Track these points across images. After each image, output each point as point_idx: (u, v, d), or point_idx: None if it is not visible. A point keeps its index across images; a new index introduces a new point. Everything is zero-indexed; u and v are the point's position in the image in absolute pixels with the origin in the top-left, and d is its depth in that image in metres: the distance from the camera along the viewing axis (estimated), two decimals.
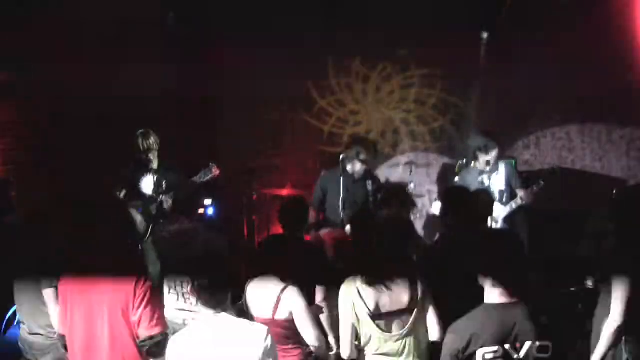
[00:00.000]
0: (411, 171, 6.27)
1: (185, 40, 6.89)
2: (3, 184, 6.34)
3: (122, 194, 5.70)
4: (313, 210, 5.76)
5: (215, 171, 5.75)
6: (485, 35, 6.43)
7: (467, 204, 4.02)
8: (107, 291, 3.25)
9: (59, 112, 7.07)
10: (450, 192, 4.39)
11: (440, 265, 3.84)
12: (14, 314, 4.44)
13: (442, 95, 7.03)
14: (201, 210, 6.66)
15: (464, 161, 6.49)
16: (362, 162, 5.72)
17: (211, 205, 6.71)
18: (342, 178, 5.68)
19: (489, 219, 5.13)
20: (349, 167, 5.80)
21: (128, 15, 6.56)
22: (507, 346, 2.67)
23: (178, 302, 3.81)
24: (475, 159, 5.88)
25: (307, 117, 7.17)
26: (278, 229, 4.39)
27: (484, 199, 4.01)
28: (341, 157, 5.97)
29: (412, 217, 5.27)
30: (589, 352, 3.76)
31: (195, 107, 7.15)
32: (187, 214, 4.53)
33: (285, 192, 6.59)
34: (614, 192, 6.15)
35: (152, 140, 5.77)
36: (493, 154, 5.73)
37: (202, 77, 7.10)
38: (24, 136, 7.09)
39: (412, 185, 6.10)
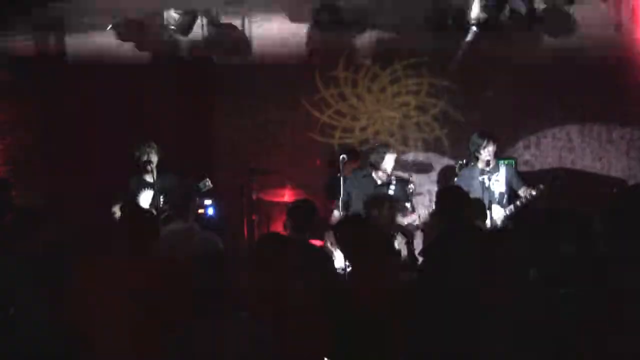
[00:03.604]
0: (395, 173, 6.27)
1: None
2: (3, 184, 6.35)
3: (117, 208, 5.67)
4: (338, 212, 5.79)
5: (209, 185, 5.85)
6: (485, 36, 6.42)
7: (461, 205, 4.03)
8: None
9: (60, 113, 7.11)
10: (443, 193, 4.40)
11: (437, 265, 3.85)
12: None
13: (445, 106, 7.01)
14: (201, 210, 6.66)
15: (464, 161, 6.49)
16: (385, 171, 5.73)
17: (211, 205, 6.71)
18: (341, 178, 5.69)
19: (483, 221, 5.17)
20: (373, 173, 5.81)
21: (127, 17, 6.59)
22: None
23: None
24: (476, 159, 5.88)
25: (307, 104, 7.15)
26: (278, 229, 4.40)
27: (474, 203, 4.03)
28: (341, 157, 5.98)
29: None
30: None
31: (195, 106, 7.15)
32: (185, 216, 4.52)
33: (284, 192, 6.60)
34: (614, 192, 6.16)
35: (153, 150, 5.78)
36: (490, 149, 5.73)
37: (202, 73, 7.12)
38: (24, 136, 7.12)
39: (411, 186, 6.08)
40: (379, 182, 5.79)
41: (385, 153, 5.81)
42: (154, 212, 5.50)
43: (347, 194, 5.84)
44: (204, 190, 5.95)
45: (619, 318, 3.53)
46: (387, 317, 3.32)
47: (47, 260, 4.24)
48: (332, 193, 6.52)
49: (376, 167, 5.78)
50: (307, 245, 4.22)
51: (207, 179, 6.00)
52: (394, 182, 5.80)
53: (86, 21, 6.95)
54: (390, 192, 5.73)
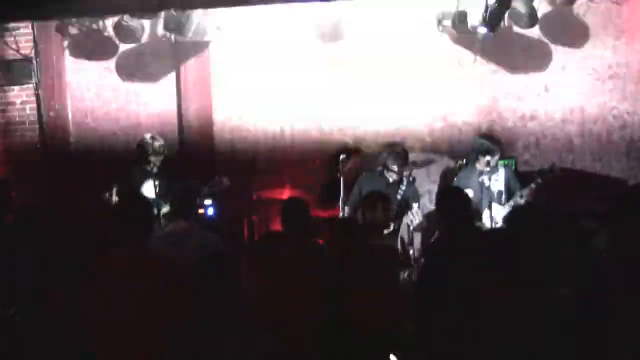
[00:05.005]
0: (411, 171, 6.26)
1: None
2: (3, 184, 6.36)
3: (112, 196, 5.69)
4: (350, 209, 5.81)
5: (226, 182, 5.85)
6: (485, 33, 6.41)
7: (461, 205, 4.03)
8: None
9: (59, 113, 7.13)
10: (443, 193, 4.39)
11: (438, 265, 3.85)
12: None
13: (446, 109, 7.02)
14: (201, 210, 6.67)
15: (464, 161, 6.49)
16: (393, 170, 5.73)
17: (211, 205, 6.71)
18: (341, 177, 5.70)
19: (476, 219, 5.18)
20: (385, 172, 5.80)
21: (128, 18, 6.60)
22: None
23: None
24: (477, 159, 5.89)
25: (307, 99, 7.15)
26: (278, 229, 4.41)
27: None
28: (341, 157, 5.98)
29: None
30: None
31: (195, 106, 7.15)
32: (185, 216, 4.52)
33: (285, 192, 6.61)
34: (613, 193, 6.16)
35: (159, 144, 5.82)
36: (496, 157, 5.76)
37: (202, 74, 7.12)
38: (24, 136, 7.12)
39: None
40: (391, 180, 5.79)
41: (391, 153, 5.79)
42: (159, 202, 5.53)
43: (360, 193, 5.83)
44: (218, 188, 5.92)
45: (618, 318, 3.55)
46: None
47: (48, 260, 4.26)
48: (331, 193, 6.52)
49: (386, 166, 5.78)
50: (303, 243, 4.22)
51: (225, 177, 5.94)
52: (405, 181, 5.79)
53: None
54: (400, 191, 5.71)
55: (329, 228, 3.86)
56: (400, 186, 5.73)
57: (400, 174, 5.75)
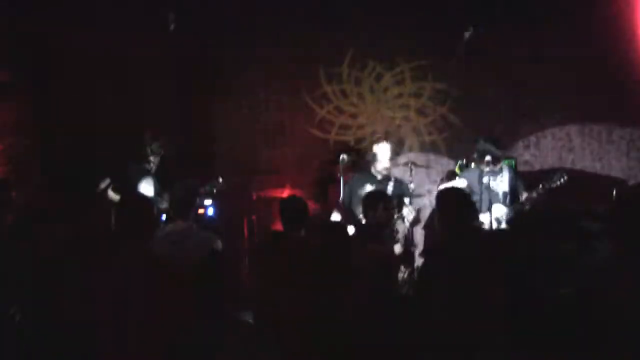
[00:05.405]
0: (411, 171, 6.27)
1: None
2: (3, 184, 6.36)
3: (105, 186, 5.69)
4: (342, 210, 5.82)
5: (222, 185, 5.89)
6: (483, 33, 6.43)
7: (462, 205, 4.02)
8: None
9: (59, 113, 7.11)
10: (444, 193, 4.38)
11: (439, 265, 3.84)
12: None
13: (445, 111, 7.02)
14: (201, 211, 6.67)
15: (464, 161, 6.49)
16: (383, 166, 5.75)
17: (211, 205, 6.71)
18: (341, 177, 5.70)
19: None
20: (372, 169, 5.84)
21: (128, 16, 6.59)
22: None
23: None
24: (480, 160, 5.86)
25: (307, 98, 7.14)
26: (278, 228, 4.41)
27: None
28: (341, 157, 5.99)
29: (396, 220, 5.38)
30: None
31: (195, 106, 7.15)
32: (184, 216, 4.51)
33: (284, 192, 6.62)
34: (614, 192, 6.16)
35: (159, 144, 5.83)
36: (499, 159, 5.75)
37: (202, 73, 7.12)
38: (23, 136, 7.12)
39: (411, 186, 6.10)
40: (379, 177, 5.81)
41: (377, 151, 5.83)
42: (158, 200, 5.54)
43: (350, 194, 5.84)
44: (216, 190, 5.96)
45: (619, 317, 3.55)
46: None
47: (49, 260, 4.26)
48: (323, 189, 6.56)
49: (373, 162, 5.81)
50: (301, 242, 4.22)
51: (220, 178, 5.98)
52: (393, 178, 5.82)
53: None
54: (390, 187, 5.73)
55: (315, 228, 3.85)
56: (389, 183, 5.76)
57: (387, 171, 5.79)
